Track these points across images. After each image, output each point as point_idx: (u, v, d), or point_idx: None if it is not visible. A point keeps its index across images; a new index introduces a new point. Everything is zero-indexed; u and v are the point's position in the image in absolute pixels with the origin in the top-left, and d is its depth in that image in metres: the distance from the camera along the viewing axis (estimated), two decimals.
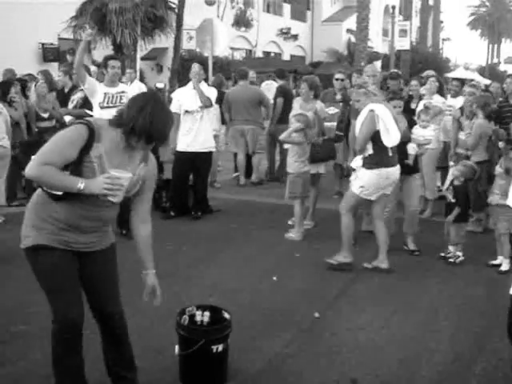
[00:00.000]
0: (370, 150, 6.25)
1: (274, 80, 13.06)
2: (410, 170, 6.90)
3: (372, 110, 6.20)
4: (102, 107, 7.38)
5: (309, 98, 7.98)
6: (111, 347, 3.85)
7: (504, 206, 6.52)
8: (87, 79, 7.33)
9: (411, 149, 6.84)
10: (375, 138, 6.18)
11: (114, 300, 3.74)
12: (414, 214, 7.13)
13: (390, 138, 6.20)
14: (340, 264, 6.47)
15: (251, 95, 10.90)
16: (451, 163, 8.17)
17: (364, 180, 6.31)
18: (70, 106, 9.01)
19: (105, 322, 3.75)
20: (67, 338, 3.54)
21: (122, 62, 17.29)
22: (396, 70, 10.95)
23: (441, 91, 9.45)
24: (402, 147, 6.72)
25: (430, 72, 11.15)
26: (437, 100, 8.99)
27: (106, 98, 7.40)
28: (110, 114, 7.24)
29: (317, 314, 5.28)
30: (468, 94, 8.28)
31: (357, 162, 6.46)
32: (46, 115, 9.39)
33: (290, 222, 7.98)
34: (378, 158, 6.23)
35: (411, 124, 7.10)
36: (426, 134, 7.07)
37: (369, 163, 6.27)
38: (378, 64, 32.40)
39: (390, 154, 6.26)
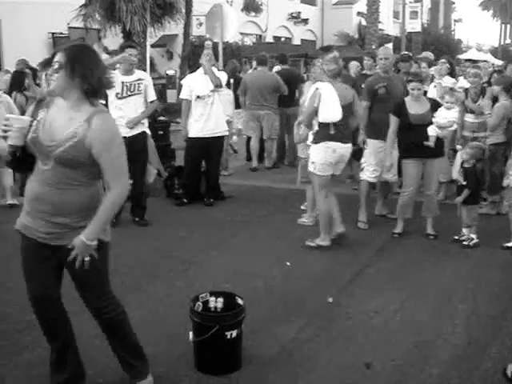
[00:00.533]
0: (316, 126, 6.60)
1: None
2: (432, 153, 6.80)
3: (317, 88, 6.54)
4: (120, 97, 7.31)
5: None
6: (108, 337, 3.90)
7: None
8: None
9: (431, 130, 6.75)
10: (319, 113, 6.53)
11: (91, 296, 3.73)
12: (433, 198, 7.06)
13: (328, 114, 6.44)
14: (319, 247, 6.66)
15: (268, 81, 10.91)
16: (458, 146, 8.10)
17: (313, 155, 6.63)
18: None
19: (93, 314, 3.79)
20: (35, 311, 3.77)
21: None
22: (407, 52, 10.84)
23: (452, 73, 9.38)
24: (422, 130, 6.68)
25: (427, 53, 11.09)
26: (447, 81, 8.92)
27: (123, 87, 7.32)
28: (129, 102, 7.16)
29: (330, 299, 5.27)
30: (473, 75, 8.17)
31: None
32: None
33: (302, 207, 7.96)
34: (323, 133, 6.52)
35: (435, 107, 6.96)
36: (449, 115, 6.92)
37: (315, 138, 6.65)
38: (390, 46, 32.20)
39: (332, 131, 6.47)
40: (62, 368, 3.80)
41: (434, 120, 6.80)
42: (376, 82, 7.56)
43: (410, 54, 10.57)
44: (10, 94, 9.17)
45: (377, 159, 7.40)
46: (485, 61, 18.59)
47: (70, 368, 3.81)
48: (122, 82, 7.30)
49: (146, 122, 7.62)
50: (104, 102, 8.81)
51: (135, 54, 7.44)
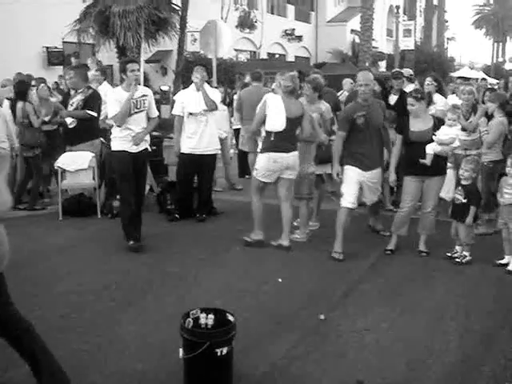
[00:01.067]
0: (263, 133, 7.20)
1: None
2: (433, 171, 6.78)
3: (265, 99, 7.16)
4: (129, 114, 7.05)
5: (314, 99, 7.90)
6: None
7: None
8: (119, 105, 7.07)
9: (429, 148, 6.75)
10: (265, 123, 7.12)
11: None
12: (429, 216, 7.03)
13: (273, 124, 6.99)
14: (254, 241, 7.31)
15: (262, 97, 10.84)
16: (449, 164, 8.10)
17: (258, 163, 7.23)
18: (70, 108, 8.99)
19: None
20: None
21: None
22: (398, 69, 10.86)
23: (440, 90, 9.37)
24: (421, 148, 6.68)
25: (406, 70, 11.17)
26: (436, 99, 8.91)
27: (131, 104, 7.08)
28: (135, 120, 7.10)
29: (322, 316, 5.24)
30: (467, 92, 8.18)
31: None
32: (47, 118, 9.39)
33: (295, 223, 7.93)
34: (267, 142, 7.09)
35: (438, 125, 6.95)
36: (450, 132, 6.92)
37: (261, 147, 7.24)
38: (383, 64, 32.36)
39: (272, 139, 7.00)
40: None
41: (434, 137, 6.79)
42: (354, 111, 6.94)
43: (402, 71, 10.54)
44: (14, 104, 9.14)
45: (357, 187, 6.95)
46: (483, 79, 18.66)
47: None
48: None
49: (148, 138, 7.55)
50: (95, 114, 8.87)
51: (138, 69, 7.28)
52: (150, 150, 7.58)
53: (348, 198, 6.88)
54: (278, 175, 7.14)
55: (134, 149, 7.14)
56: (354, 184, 6.89)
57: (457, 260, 6.68)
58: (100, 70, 10.39)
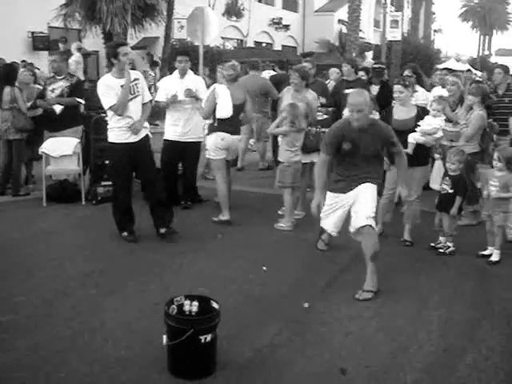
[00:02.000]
0: (211, 120, 7.87)
1: (274, 70, 13.33)
2: (414, 161, 6.67)
3: (214, 88, 7.82)
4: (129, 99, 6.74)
5: (301, 87, 7.90)
6: None
7: (501, 198, 6.52)
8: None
9: (411, 137, 6.76)
10: (215, 110, 7.73)
11: None
12: (413, 205, 7.04)
13: (222, 111, 7.71)
14: (221, 221, 7.80)
15: (260, 86, 10.96)
16: (436, 155, 8.12)
17: (208, 143, 7.94)
18: (52, 95, 8.89)
19: None
20: None
21: None
22: (381, 66, 10.80)
23: (420, 82, 9.37)
24: (403, 136, 6.66)
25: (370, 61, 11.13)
26: (417, 91, 8.93)
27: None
28: (132, 106, 6.73)
29: (306, 305, 5.25)
30: (451, 83, 8.19)
31: None
32: (28, 104, 9.27)
33: (280, 212, 7.94)
34: (215, 126, 7.78)
35: (422, 115, 6.95)
36: (434, 122, 6.92)
37: (210, 130, 7.93)
38: (370, 55, 32.36)
39: (219, 124, 7.76)
40: None
41: (418, 128, 6.81)
42: (342, 137, 5.69)
43: (383, 67, 10.48)
44: (1, 87, 9.01)
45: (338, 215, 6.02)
46: (469, 70, 18.67)
47: None
48: (122, 86, 6.68)
49: (147, 124, 7.29)
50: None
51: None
52: (150, 136, 7.33)
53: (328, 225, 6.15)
54: (226, 154, 7.88)
55: (134, 138, 6.79)
56: (333, 213, 5.99)
57: (440, 250, 6.72)
58: (87, 54, 10.34)
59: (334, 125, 5.98)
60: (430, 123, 6.85)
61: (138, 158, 6.88)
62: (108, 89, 6.67)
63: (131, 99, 6.74)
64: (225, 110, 7.71)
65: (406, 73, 8.94)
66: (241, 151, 11.26)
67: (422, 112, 7.01)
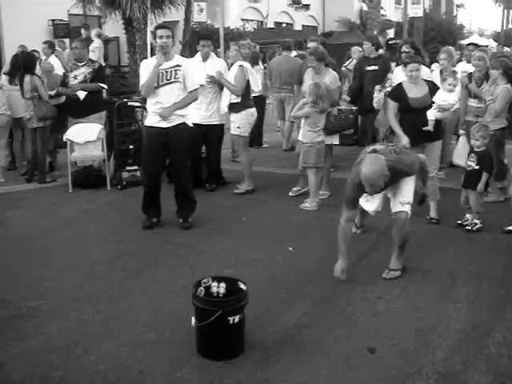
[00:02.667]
0: (239, 98, 8.14)
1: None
2: (431, 137, 6.70)
3: (241, 65, 8.15)
4: (156, 86, 6.59)
5: (320, 69, 7.87)
6: None
7: None
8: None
9: (430, 114, 6.69)
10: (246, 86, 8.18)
11: None
12: (434, 182, 6.98)
13: (254, 86, 8.33)
14: (246, 191, 8.34)
15: (290, 65, 11.03)
16: (461, 131, 8.02)
17: (238, 121, 8.25)
18: (74, 81, 8.93)
19: None
20: None
21: (133, 35, 17.20)
22: (394, 41, 10.63)
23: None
24: (422, 114, 6.60)
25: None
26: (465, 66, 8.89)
27: (159, 74, 6.59)
28: (166, 92, 6.60)
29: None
30: (477, 58, 8.05)
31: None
32: (52, 92, 9.32)
33: (290, 194, 8.03)
34: (245, 102, 8.19)
35: (433, 90, 6.89)
36: (449, 98, 6.84)
37: (238, 108, 8.18)
38: (391, 32, 32.00)
39: (251, 98, 8.44)
40: None
41: (434, 104, 6.73)
42: (362, 192, 5.31)
43: (398, 41, 10.31)
44: (21, 79, 9.07)
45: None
46: (486, 46, 18.40)
47: None
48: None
49: (185, 112, 6.85)
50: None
51: (167, 35, 6.56)
52: (190, 125, 7.00)
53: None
54: None
55: (165, 124, 6.65)
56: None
57: (467, 228, 6.66)
58: (106, 41, 10.37)
59: (351, 181, 5.25)
60: (445, 99, 6.77)
61: (169, 145, 6.75)
62: (144, 69, 6.69)
63: (165, 84, 6.59)
64: (257, 85, 8.41)
65: (404, 48, 8.75)
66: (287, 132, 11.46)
67: (433, 87, 6.93)
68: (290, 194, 8.14)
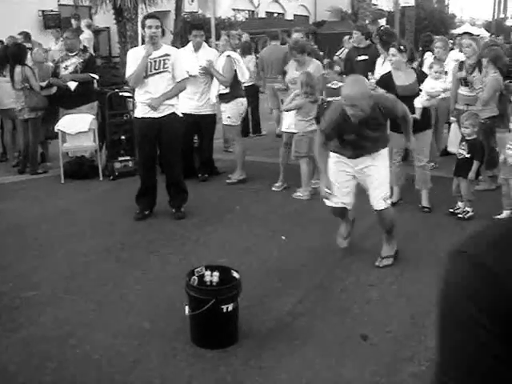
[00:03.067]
0: (227, 89, 8.14)
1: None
2: (419, 126, 6.65)
3: (229, 55, 8.17)
4: (144, 76, 6.55)
5: (303, 61, 7.90)
6: None
7: None
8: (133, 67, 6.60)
9: (417, 102, 6.72)
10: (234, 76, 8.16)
11: None
12: (425, 170, 7.03)
13: (242, 76, 8.31)
14: (238, 181, 8.38)
15: (281, 55, 11.00)
16: (452, 119, 8.05)
17: (228, 111, 8.27)
18: (65, 72, 8.90)
19: None
20: None
21: (124, 26, 17.13)
22: (386, 26, 10.67)
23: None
24: (409, 102, 6.61)
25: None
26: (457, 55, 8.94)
27: (147, 64, 6.56)
28: (156, 81, 6.57)
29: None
30: (466, 45, 8.05)
31: None
32: (43, 84, 9.29)
33: (273, 189, 7.96)
34: (234, 92, 8.18)
35: (421, 78, 6.93)
36: (437, 85, 6.88)
37: (227, 98, 8.20)
38: (383, 21, 31.96)
39: (242, 88, 8.48)
40: None
41: (422, 91, 6.77)
42: (342, 131, 5.14)
43: (389, 28, 10.36)
44: (11, 69, 9.01)
45: None
46: (478, 35, 18.42)
47: None
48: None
49: (175, 102, 6.82)
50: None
51: (156, 25, 6.51)
52: (180, 115, 6.95)
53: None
54: None
55: (155, 114, 6.61)
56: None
57: (459, 216, 6.69)
58: (97, 31, 10.34)
59: (329, 115, 5.15)
60: (433, 86, 6.82)
61: (160, 136, 6.73)
62: (132, 59, 6.64)
63: (153, 74, 6.57)
64: (245, 75, 8.38)
65: (392, 51, 8.87)
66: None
67: (421, 75, 7.00)
68: (274, 189, 8.06)
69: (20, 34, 12.38)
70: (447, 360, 1.04)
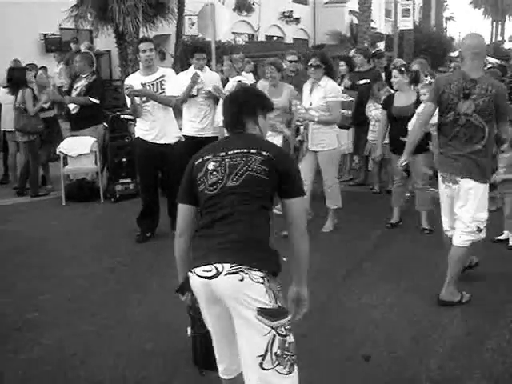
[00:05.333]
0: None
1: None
2: (416, 147, 6.75)
3: (240, 81, 8.11)
4: (145, 101, 6.65)
5: (277, 82, 7.48)
6: None
7: (510, 180, 6.50)
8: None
9: (410, 125, 6.78)
10: None
11: None
12: (423, 192, 7.06)
13: None
14: None
15: None
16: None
17: None
18: (74, 93, 8.98)
19: None
20: None
21: (125, 49, 17.27)
22: (381, 49, 10.83)
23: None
24: (404, 123, 6.70)
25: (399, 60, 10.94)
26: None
27: (145, 88, 6.68)
28: (155, 104, 6.61)
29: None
30: (454, 68, 8.12)
31: None
32: (46, 105, 9.37)
33: (275, 210, 7.81)
34: None
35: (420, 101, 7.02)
36: None
37: None
38: (382, 45, 32.20)
39: None
40: None
41: (417, 113, 6.83)
42: None
43: (383, 51, 10.51)
44: (15, 91, 9.11)
45: None
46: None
47: None
48: (143, 84, 6.69)
49: (177, 133, 7.07)
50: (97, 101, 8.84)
51: (150, 49, 6.58)
52: (182, 139, 7.08)
53: None
54: None
55: (159, 140, 6.66)
56: None
57: None
58: (98, 55, 10.46)
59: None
60: None
61: (161, 159, 6.77)
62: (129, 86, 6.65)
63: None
64: None
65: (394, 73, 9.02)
66: None
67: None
68: (275, 211, 7.91)
69: (28, 65, 12.49)
70: None
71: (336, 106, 6.86)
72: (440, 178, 5.08)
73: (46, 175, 9.83)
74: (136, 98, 6.62)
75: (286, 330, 2.96)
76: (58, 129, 9.75)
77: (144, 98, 6.62)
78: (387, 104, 7.04)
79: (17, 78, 9.25)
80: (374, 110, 8.27)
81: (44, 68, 14.48)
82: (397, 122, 6.87)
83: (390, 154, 7.12)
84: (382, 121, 7.17)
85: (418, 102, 6.91)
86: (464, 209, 4.94)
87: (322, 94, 6.75)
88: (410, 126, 6.75)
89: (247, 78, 8.56)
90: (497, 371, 3.99)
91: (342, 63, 9.45)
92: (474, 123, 4.70)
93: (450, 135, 4.86)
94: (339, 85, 8.53)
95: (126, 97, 6.72)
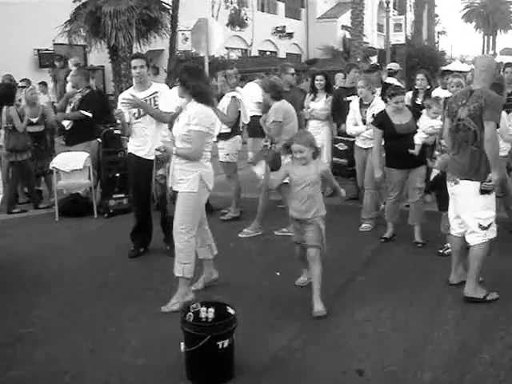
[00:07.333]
0: (229, 129, 8.19)
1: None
2: (415, 161, 6.95)
3: (234, 97, 8.17)
4: (137, 117, 6.59)
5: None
6: None
7: None
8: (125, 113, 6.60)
9: (417, 139, 6.87)
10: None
11: None
12: (418, 206, 7.10)
13: (245, 117, 8.39)
14: (232, 218, 8.47)
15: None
16: (436, 152, 8.13)
17: (227, 148, 8.31)
18: (68, 108, 8.98)
19: None
20: None
21: (118, 64, 17.32)
22: (375, 63, 10.88)
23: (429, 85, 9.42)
24: (408, 139, 6.78)
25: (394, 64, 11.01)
26: (439, 92, 9.03)
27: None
28: (148, 121, 6.57)
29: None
30: (455, 84, 8.13)
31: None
32: (34, 120, 9.37)
33: (277, 233, 7.78)
34: (233, 130, 8.24)
35: (417, 115, 7.10)
36: (434, 123, 7.00)
37: (226, 136, 8.22)
38: (374, 59, 32.40)
39: (240, 126, 8.46)
40: None
41: (420, 129, 6.92)
42: None
43: (378, 64, 10.53)
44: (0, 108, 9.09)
45: None
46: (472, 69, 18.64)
47: None
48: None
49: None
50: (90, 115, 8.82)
51: (140, 65, 6.53)
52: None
53: None
54: None
55: (149, 156, 6.47)
56: None
57: (439, 251, 6.62)
58: (91, 70, 10.49)
59: None
60: (432, 124, 6.96)
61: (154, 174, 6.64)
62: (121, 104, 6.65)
63: (145, 114, 6.58)
64: (247, 117, 8.42)
65: (420, 76, 9.15)
66: None
67: (415, 112, 7.24)
68: (276, 233, 7.91)
69: (22, 80, 12.52)
70: None
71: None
72: (447, 179, 5.62)
73: (41, 190, 9.82)
74: (126, 115, 6.59)
75: None
76: (46, 144, 9.72)
77: (136, 114, 6.60)
78: (383, 123, 7.01)
79: (3, 96, 9.17)
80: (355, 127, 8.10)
81: (44, 84, 14.57)
82: (399, 139, 6.89)
83: (388, 169, 7.10)
84: (376, 142, 7.09)
85: (414, 117, 7.07)
86: (464, 208, 5.39)
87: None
88: (417, 139, 6.85)
89: (241, 94, 8.53)
90: None
91: (320, 77, 9.41)
92: (468, 127, 5.25)
93: (453, 139, 5.48)
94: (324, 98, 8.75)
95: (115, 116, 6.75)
